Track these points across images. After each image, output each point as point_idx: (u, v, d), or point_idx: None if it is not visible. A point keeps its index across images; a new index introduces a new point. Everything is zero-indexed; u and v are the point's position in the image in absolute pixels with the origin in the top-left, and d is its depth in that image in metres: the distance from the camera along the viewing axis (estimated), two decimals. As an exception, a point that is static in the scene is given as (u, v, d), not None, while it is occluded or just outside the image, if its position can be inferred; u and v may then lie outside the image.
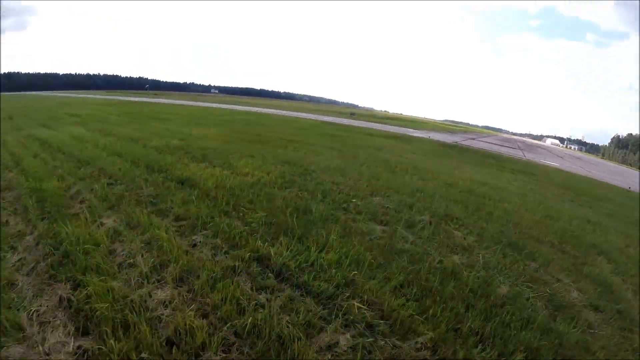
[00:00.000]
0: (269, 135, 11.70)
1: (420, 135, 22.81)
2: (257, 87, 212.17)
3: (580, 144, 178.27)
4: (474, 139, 32.72)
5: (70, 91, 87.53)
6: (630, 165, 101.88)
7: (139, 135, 9.53)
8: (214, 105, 36.79)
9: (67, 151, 7.16)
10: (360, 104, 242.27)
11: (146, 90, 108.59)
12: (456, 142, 21.38)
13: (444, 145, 17.44)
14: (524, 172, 12.05)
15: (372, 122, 32.57)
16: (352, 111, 60.58)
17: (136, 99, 43.05)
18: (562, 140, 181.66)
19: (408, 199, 5.32)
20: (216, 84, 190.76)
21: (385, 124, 33.02)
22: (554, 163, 21.34)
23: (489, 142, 30.75)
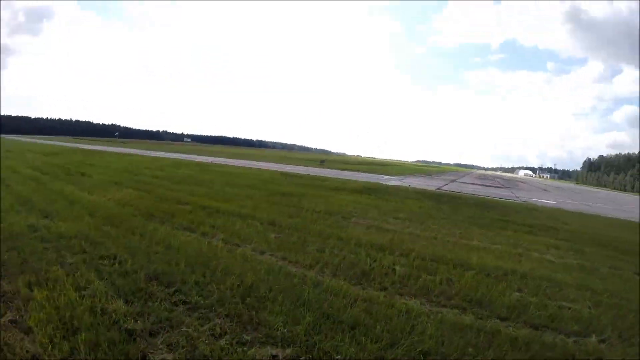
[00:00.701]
0: (193, 200, 8.69)
1: (397, 183, 19.98)
2: (230, 135, 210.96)
3: (552, 172, 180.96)
4: (454, 180, 32.18)
5: (36, 136, 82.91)
6: (606, 186, 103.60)
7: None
8: (169, 155, 34.45)
9: None
10: (333, 150, 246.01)
11: (115, 137, 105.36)
12: (440, 189, 19.02)
13: (429, 196, 14.49)
14: (541, 227, 9.30)
15: (342, 169, 31.34)
16: (322, 158, 59.99)
17: (91, 147, 39.82)
18: (533, 170, 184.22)
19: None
20: (190, 132, 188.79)
21: (357, 170, 32.03)
22: (549, 201, 19.71)
23: (472, 184, 30.08)
